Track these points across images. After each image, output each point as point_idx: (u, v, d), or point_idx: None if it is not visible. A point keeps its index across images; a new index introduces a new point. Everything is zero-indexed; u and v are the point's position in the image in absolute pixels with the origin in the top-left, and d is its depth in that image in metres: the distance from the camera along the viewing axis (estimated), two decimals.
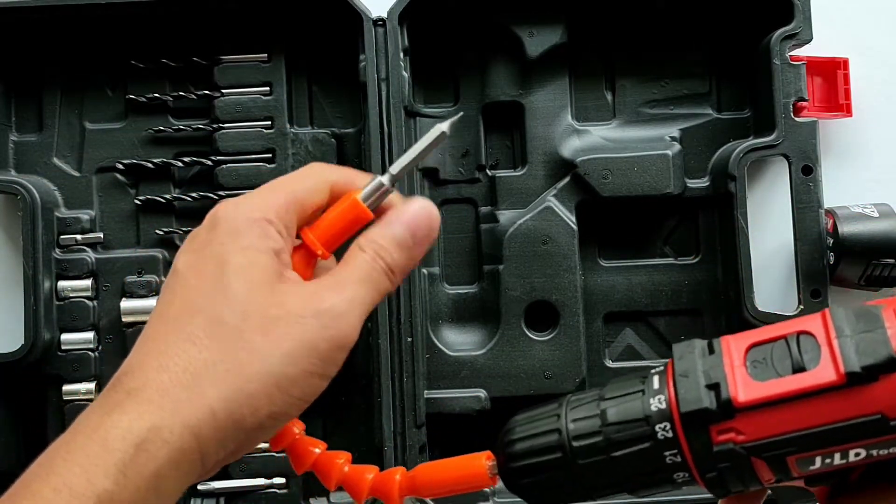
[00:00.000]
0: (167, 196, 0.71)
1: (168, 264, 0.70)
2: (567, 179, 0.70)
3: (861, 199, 0.70)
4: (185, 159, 0.71)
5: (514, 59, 0.71)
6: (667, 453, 0.41)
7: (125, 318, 0.69)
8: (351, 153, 0.71)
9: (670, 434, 0.41)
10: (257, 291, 0.41)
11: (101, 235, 0.70)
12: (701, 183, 0.71)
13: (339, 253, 0.45)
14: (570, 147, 0.71)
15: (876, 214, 0.67)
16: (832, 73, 0.70)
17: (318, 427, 0.71)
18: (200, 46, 0.71)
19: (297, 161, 0.70)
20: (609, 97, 0.73)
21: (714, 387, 0.40)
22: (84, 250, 0.70)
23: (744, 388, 0.40)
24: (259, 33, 0.71)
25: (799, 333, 0.41)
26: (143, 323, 0.68)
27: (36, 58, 0.71)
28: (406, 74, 0.69)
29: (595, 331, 0.72)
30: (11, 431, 0.69)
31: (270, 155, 0.70)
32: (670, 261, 0.72)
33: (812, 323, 0.41)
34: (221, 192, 0.69)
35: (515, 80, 0.71)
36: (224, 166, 0.70)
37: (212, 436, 0.39)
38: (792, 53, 0.67)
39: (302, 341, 0.40)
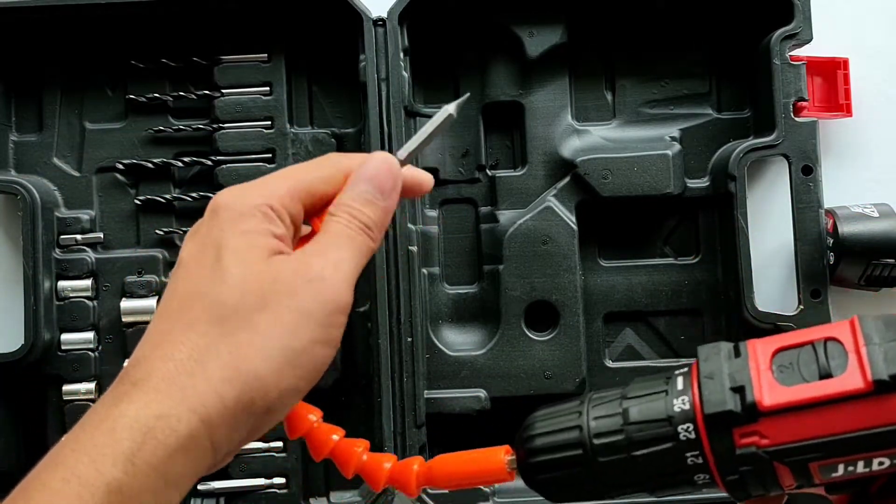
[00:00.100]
0: (167, 196, 0.71)
1: (168, 264, 0.70)
2: (567, 179, 0.70)
3: (861, 199, 0.70)
4: (185, 159, 0.71)
5: (514, 59, 0.71)
6: (688, 454, 0.41)
7: (125, 318, 0.69)
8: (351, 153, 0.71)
9: (693, 435, 0.41)
10: (252, 270, 0.41)
11: (101, 235, 0.70)
12: (701, 183, 0.71)
13: None
14: (570, 147, 0.71)
15: (876, 214, 0.67)
16: (832, 73, 0.70)
17: None
18: (200, 46, 0.71)
19: (297, 161, 0.70)
20: (609, 97, 0.73)
21: (739, 390, 0.40)
22: (84, 250, 0.70)
23: (769, 391, 0.40)
24: (259, 33, 0.71)
25: (826, 340, 0.41)
26: (144, 323, 0.68)
27: (36, 58, 0.71)
28: (406, 74, 0.69)
29: (595, 331, 0.72)
30: (11, 431, 0.69)
31: (270, 155, 0.70)
32: (670, 261, 0.72)
33: (840, 330, 0.41)
34: None
35: (515, 80, 0.71)
36: (224, 166, 0.70)
37: (221, 420, 0.39)
38: (792, 53, 0.67)
39: (299, 311, 0.40)
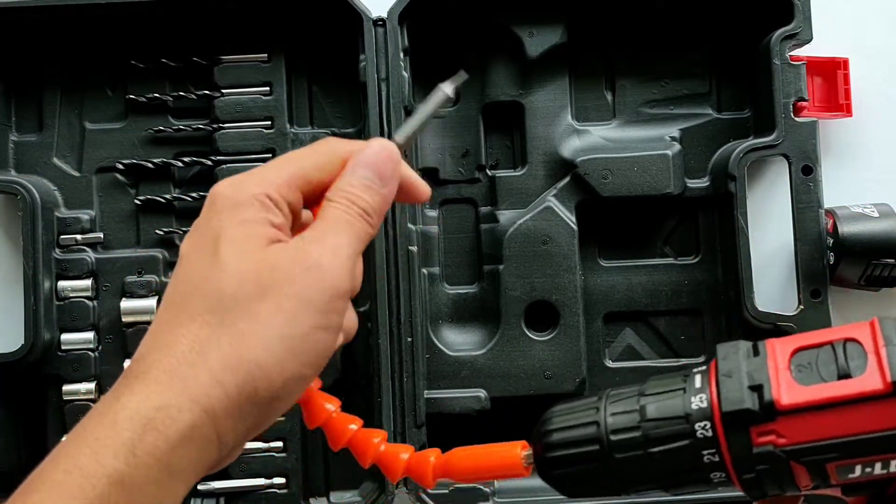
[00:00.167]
0: (167, 196, 0.71)
1: (168, 264, 0.70)
2: (567, 179, 0.70)
3: (861, 199, 0.70)
4: (185, 159, 0.71)
5: (514, 59, 0.71)
6: (705, 452, 0.41)
7: (125, 318, 0.69)
8: None
9: (710, 433, 0.41)
10: (250, 259, 0.41)
11: (101, 235, 0.70)
12: (701, 183, 0.71)
13: None
14: (570, 147, 0.71)
15: (876, 214, 0.67)
16: (832, 73, 0.70)
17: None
18: (200, 46, 0.71)
19: None
20: (609, 97, 0.73)
21: (757, 388, 0.40)
22: (84, 250, 0.70)
23: (787, 391, 0.40)
24: (259, 33, 0.71)
25: (846, 340, 0.41)
26: (144, 323, 0.69)
27: (36, 58, 0.71)
28: (406, 74, 0.69)
29: (595, 331, 0.72)
30: (11, 431, 0.69)
31: (270, 155, 0.70)
32: (670, 261, 0.72)
33: (860, 331, 0.41)
34: None
35: (515, 80, 0.71)
36: (224, 166, 0.69)
37: (225, 410, 0.39)
38: (792, 53, 0.67)
39: (299, 299, 0.40)
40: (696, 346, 0.72)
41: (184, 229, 0.70)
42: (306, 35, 0.71)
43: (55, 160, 0.71)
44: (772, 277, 0.72)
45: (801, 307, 0.67)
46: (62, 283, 0.69)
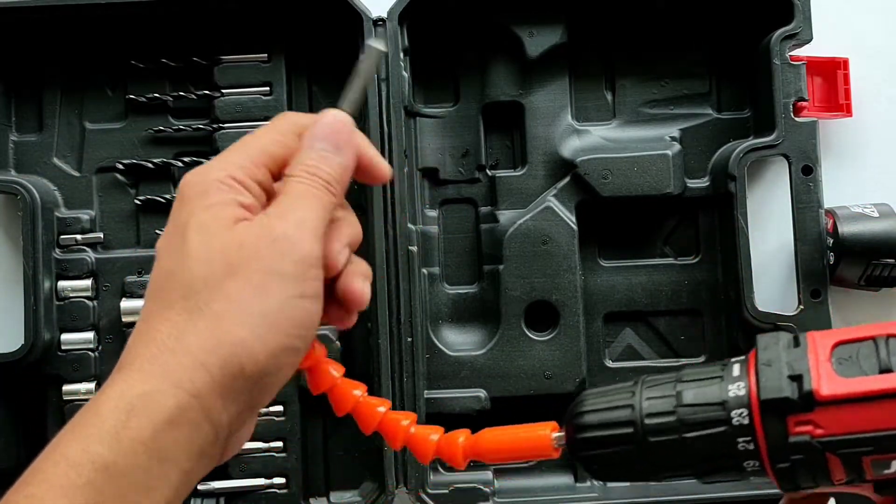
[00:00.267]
0: (167, 196, 0.71)
1: None
2: (567, 179, 0.70)
3: (861, 199, 0.70)
4: (185, 159, 0.71)
5: (514, 59, 0.71)
6: (740, 440, 0.41)
7: (125, 318, 0.69)
8: None
9: (746, 421, 0.41)
10: (216, 240, 0.41)
11: (101, 235, 0.70)
12: (701, 183, 0.72)
13: None
14: (570, 147, 0.71)
15: (876, 214, 0.67)
16: (832, 73, 0.70)
17: (319, 427, 0.71)
18: (200, 46, 0.71)
19: None
20: (609, 97, 0.73)
21: (797, 378, 0.41)
22: (84, 250, 0.70)
23: (827, 382, 0.40)
24: (259, 33, 0.71)
25: (889, 336, 0.41)
26: None
27: (36, 58, 0.71)
28: (406, 74, 0.69)
29: (595, 331, 0.72)
30: (11, 431, 0.69)
31: None
32: (670, 261, 0.72)
33: None
34: None
35: (515, 80, 0.71)
36: None
37: (211, 391, 0.39)
38: (792, 53, 0.67)
39: (268, 272, 0.40)
40: (696, 346, 0.72)
41: None
42: (306, 35, 0.71)
43: (55, 160, 0.71)
44: (772, 277, 0.72)
45: (801, 307, 0.67)
46: (62, 283, 0.69)
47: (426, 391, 0.69)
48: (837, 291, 0.70)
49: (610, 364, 0.72)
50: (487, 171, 0.72)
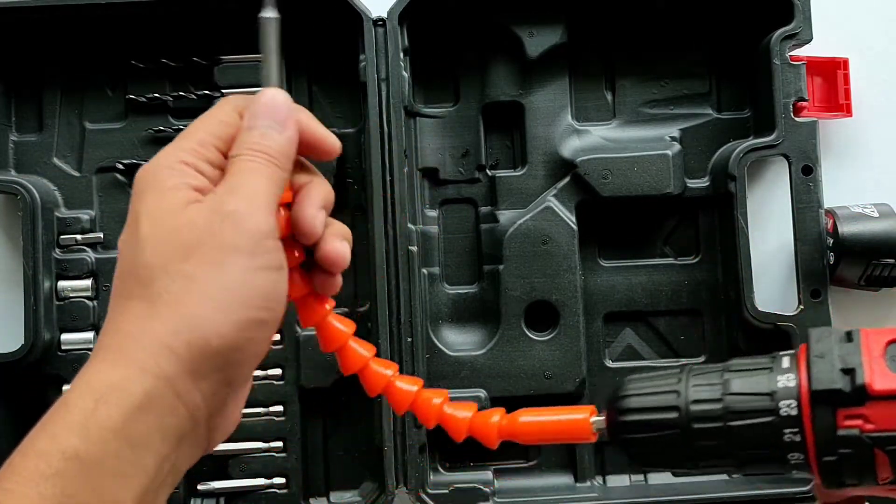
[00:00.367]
0: None
1: None
2: (567, 179, 0.70)
3: (861, 199, 0.70)
4: None
5: (514, 59, 0.71)
6: (787, 431, 0.41)
7: None
8: (351, 153, 0.71)
9: (795, 412, 0.41)
10: (167, 225, 0.41)
11: (101, 235, 0.70)
12: (701, 183, 0.72)
13: None
14: (570, 147, 0.71)
15: (876, 214, 0.67)
16: (832, 73, 0.70)
17: (319, 427, 0.71)
18: (200, 46, 0.71)
19: None
20: (609, 97, 0.73)
21: (849, 371, 0.41)
22: (84, 250, 0.70)
23: (880, 377, 0.40)
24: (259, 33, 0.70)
25: None
26: None
27: (36, 58, 0.71)
28: (406, 74, 0.69)
29: (595, 331, 0.72)
30: (11, 431, 0.69)
31: None
32: (670, 261, 0.72)
33: None
34: None
35: (515, 80, 0.71)
36: None
37: (179, 371, 0.39)
38: (792, 53, 0.67)
39: (221, 248, 0.41)
40: (696, 346, 0.72)
41: None
42: (306, 35, 0.71)
43: (55, 160, 0.71)
44: (772, 277, 0.72)
45: (801, 307, 0.67)
46: (62, 283, 0.69)
47: None
48: (837, 291, 0.70)
49: (610, 364, 0.72)
50: (487, 171, 0.72)
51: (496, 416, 0.47)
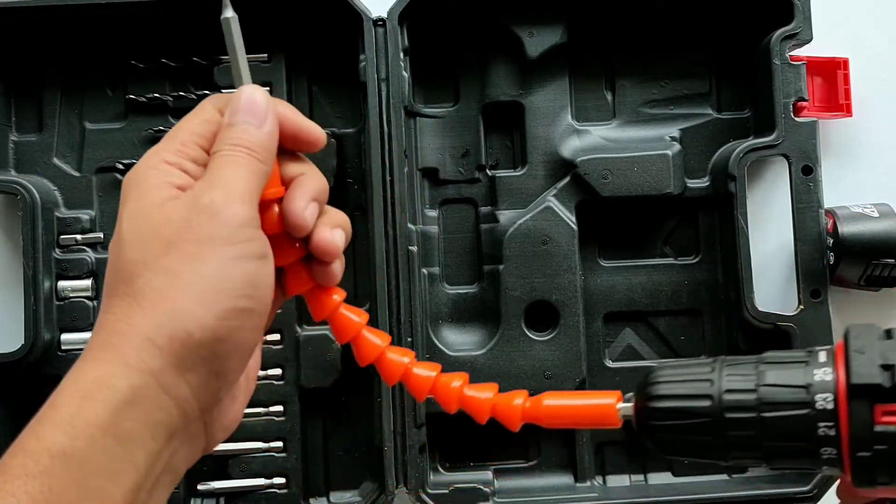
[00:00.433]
0: None
1: None
2: (567, 179, 0.70)
3: (861, 199, 0.70)
4: None
5: (514, 59, 0.71)
6: (821, 424, 0.41)
7: None
8: (351, 153, 0.71)
9: (831, 406, 0.41)
10: (146, 222, 0.42)
11: (101, 235, 0.70)
12: (701, 183, 0.72)
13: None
14: (570, 147, 0.71)
15: (876, 214, 0.67)
16: (832, 73, 0.70)
17: (319, 427, 0.71)
18: (200, 46, 0.71)
19: None
20: (609, 97, 0.73)
21: (889, 367, 0.40)
22: (84, 250, 0.70)
23: None
24: (259, 33, 0.71)
25: None
26: None
27: (36, 58, 0.71)
28: (406, 74, 0.69)
29: (595, 331, 0.72)
30: (11, 431, 0.68)
31: None
32: (670, 261, 0.72)
33: None
34: None
35: (515, 80, 0.71)
36: None
37: (163, 364, 0.39)
38: (792, 53, 0.67)
39: (199, 239, 0.41)
40: (696, 346, 0.72)
41: None
42: (306, 35, 0.71)
43: (55, 160, 0.71)
44: (772, 277, 0.72)
45: (801, 307, 0.67)
46: (62, 283, 0.69)
47: None
48: (837, 291, 0.70)
49: (610, 364, 0.72)
50: (487, 171, 0.72)
51: (519, 398, 0.47)
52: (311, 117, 0.71)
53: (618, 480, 0.71)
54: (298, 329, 0.69)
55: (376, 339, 0.49)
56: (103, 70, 0.72)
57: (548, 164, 0.71)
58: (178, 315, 0.40)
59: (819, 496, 0.66)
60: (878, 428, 0.40)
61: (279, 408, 0.69)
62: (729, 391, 0.42)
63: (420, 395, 0.49)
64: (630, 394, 0.46)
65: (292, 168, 0.46)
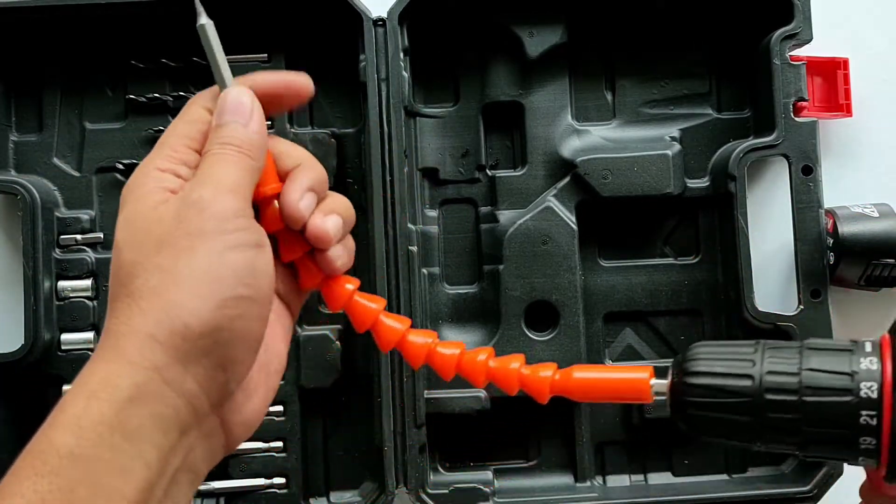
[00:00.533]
0: None
1: None
2: (567, 179, 0.70)
3: (861, 199, 0.70)
4: None
5: (514, 59, 0.71)
6: (864, 413, 0.40)
7: None
8: (351, 153, 0.71)
9: (875, 395, 0.40)
10: (139, 224, 0.42)
11: (101, 235, 0.70)
12: (701, 183, 0.72)
13: None
14: (570, 147, 0.71)
15: (876, 214, 0.67)
16: (832, 73, 0.70)
17: (319, 427, 0.71)
18: (200, 46, 0.70)
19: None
20: (609, 97, 0.73)
21: None
22: (84, 250, 0.70)
23: None
24: (259, 33, 0.71)
25: None
26: None
27: (36, 58, 0.71)
28: (406, 74, 0.69)
29: (595, 331, 0.72)
30: (11, 431, 0.69)
31: None
32: (670, 261, 0.72)
33: None
34: None
35: (515, 80, 0.71)
36: None
37: (167, 360, 0.40)
38: (792, 53, 0.67)
39: (190, 233, 0.41)
40: None
41: None
42: (306, 35, 0.71)
43: (55, 160, 0.71)
44: (772, 277, 0.72)
45: (801, 307, 0.67)
46: (62, 283, 0.69)
47: (426, 391, 0.69)
48: (837, 291, 0.70)
49: (610, 364, 0.72)
50: (487, 171, 0.72)
51: (548, 370, 0.47)
52: (311, 117, 0.72)
53: (618, 480, 0.71)
54: (298, 329, 0.69)
55: (396, 324, 0.49)
56: (103, 70, 0.72)
57: (548, 164, 0.71)
58: (175, 309, 0.40)
59: (819, 496, 0.66)
60: None
61: (279, 408, 0.69)
62: (771, 372, 0.42)
63: (447, 373, 0.48)
64: (665, 368, 0.45)
65: (289, 162, 0.47)
